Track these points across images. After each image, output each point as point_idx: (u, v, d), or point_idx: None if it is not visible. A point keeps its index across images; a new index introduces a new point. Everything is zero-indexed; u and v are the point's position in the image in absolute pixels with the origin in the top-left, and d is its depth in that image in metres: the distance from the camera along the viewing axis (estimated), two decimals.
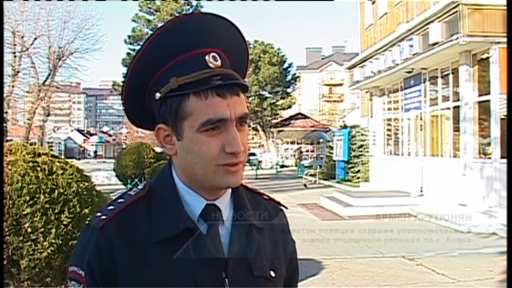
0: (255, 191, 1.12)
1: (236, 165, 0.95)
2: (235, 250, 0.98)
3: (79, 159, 53.59)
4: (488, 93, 10.30)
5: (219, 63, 0.96)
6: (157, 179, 1.03)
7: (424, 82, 13.36)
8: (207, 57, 0.95)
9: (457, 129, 11.64)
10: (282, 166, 34.65)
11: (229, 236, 0.99)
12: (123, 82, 1.01)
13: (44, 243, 3.59)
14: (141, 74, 0.97)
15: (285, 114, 43.79)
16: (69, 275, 0.96)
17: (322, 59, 79.41)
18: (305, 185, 20.13)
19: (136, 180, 18.81)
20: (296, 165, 33.51)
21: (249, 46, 1.10)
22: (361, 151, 19.62)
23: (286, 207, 1.18)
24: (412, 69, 13.15)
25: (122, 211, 0.96)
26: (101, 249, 0.93)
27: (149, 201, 0.98)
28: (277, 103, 41.19)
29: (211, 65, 0.95)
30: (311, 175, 22.40)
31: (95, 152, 78.44)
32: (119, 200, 1.00)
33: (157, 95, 0.96)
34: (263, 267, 1.01)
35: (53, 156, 4.11)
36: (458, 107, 11.37)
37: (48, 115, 28.22)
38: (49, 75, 24.43)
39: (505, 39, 8.48)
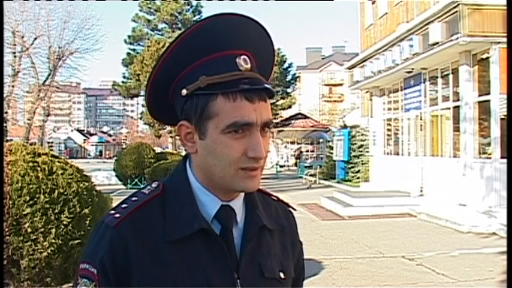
0: (265, 192, 1.12)
1: (255, 170, 0.95)
2: (247, 251, 0.99)
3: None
4: (488, 93, 10.29)
5: (248, 66, 0.96)
6: (171, 177, 1.03)
7: (424, 82, 13.35)
8: (237, 59, 0.95)
9: (457, 129, 11.63)
10: (282, 166, 34.66)
11: (241, 237, 1.00)
12: (149, 75, 1.01)
13: (44, 243, 3.59)
14: (170, 68, 0.97)
15: (285, 114, 43.78)
16: (80, 272, 0.95)
17: (322, 59, 79.42)
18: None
19: (136, 180, 18.82)
20: (296, 165, 33.50)
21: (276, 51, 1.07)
22: (361, 151, 19.61)
23: (295, 209, 1.18)
24: (412, 69, 13.14)
25: (136, 210, 0.96)
26: (114, 247, 0.92)
27: (163, 200, 0.98)
28: (277, 103, 41.17)
29: (241, 68, 0.95)
30: (311, 175, 22.38)
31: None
32: (133, 198, 0.99)
33: (184, 91, 0.95)
34: (273, 269, 1.02)
35: (53, 156, 4.11)
36: (458, 107, 11.36)
37: (48, 115, 28.22)
38: (49, 75, 24.43)
39: (505, 39, 8.48)
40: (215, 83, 0.93)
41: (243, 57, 0.96)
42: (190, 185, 1.00)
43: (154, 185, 1.02)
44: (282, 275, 1.03)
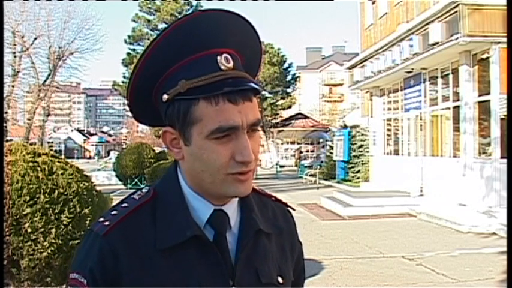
0: (261, 193, 1.08)
1: (246, 174, 0.91)
2: (243, 257, 0.95)
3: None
4: (488, 93, 10.29)
5: (231, 65, 0.90)
6: (162, 182, 0.99)
7: (424, 82, 13.35)
8: (219, 58, 0.90)
9: (457, 129, 11.63)
10: (282, 166, 34.65)
11: (236, 242, 0.96)
12: (128, 80, 0.96)
13: (44, 243, 3.59)
14: (148, 72, 0.92)
15: (285, 114, 43.74)
16: (70, 282, 0.93)
17: (322, 59, 79.39)
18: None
19: (136, 180, 18.81)
20: (296, 165, 33.49)
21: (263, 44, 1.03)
22: (361, 151, 19.61)
23: (294, 209, 1.14)
24: (412, 69, 13.14)
25: (126, 217, 0.92)
26: (104, 256, 0.89)
27: (154, 206, 0.94)
28: (277, 103, 41.12)
29: (223, 67, 0.89)
30: (311, 175, 22.37)
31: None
32: (123, 205, 0.96)
33: (165, 96, 0.91)
34: (271, 274, 0.98)
35: (53, 156, 4.11)
36: (458, 107, 11.36)
37: (48, 115, 28.20)
38: (49, 75, 24.42)
39: (505, 39, 8.48)
40: (196, 87, 0.88)
41: (224, 55, 0.90)
42: (181, 190, 0.96)
43: (144, 190, 0.98)
44: (280, 279, 0.99)
